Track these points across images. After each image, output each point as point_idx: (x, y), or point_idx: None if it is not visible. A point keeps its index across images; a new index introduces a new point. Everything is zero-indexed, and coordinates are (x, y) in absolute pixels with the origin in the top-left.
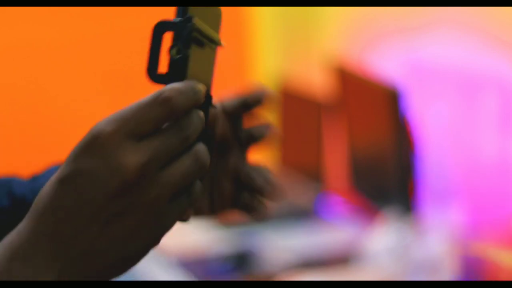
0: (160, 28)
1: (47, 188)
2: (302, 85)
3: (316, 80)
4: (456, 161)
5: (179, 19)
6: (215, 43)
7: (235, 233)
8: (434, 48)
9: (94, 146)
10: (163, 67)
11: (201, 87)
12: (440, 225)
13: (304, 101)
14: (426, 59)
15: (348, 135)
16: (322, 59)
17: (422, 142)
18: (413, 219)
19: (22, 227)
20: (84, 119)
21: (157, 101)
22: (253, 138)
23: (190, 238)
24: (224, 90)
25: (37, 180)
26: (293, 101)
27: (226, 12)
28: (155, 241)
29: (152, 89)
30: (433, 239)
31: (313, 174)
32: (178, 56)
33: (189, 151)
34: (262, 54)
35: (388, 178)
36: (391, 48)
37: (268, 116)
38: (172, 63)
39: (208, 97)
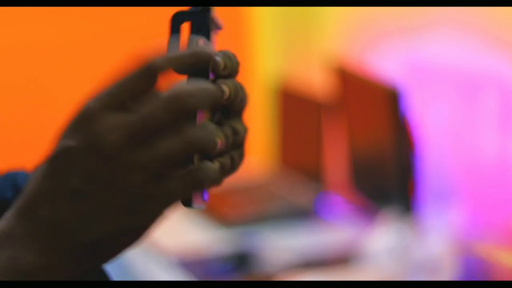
0: (178, 18)
1: (35, 170)
2: (302, 85)
3: (316, 80)
4: (456, 161)
5: (197, 8)
6: (218, 27)
7: (235, 233)
8: (434, 48)
9: (78, 123)
10: None
11: (192, 55)
12: (440, 225)
13: (304, 101)
14: (426, 59)
15: (348, 135)
16: (322, 59)
17: (422, 142)
18: (413, 219)
19: (9, 211)
20: None
21: (143, 73)
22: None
23: (190, 238)
24: None
25: None
26: (293, 101)
27: (226, 12)
28: (139, 225)
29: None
30: (433, 239)
31: (313, 174)
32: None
33: (181, 131)
34: (262, 54)
35: (388, 178)
36: (391, 48)
37: (268, 116)
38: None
39: (206, 68)
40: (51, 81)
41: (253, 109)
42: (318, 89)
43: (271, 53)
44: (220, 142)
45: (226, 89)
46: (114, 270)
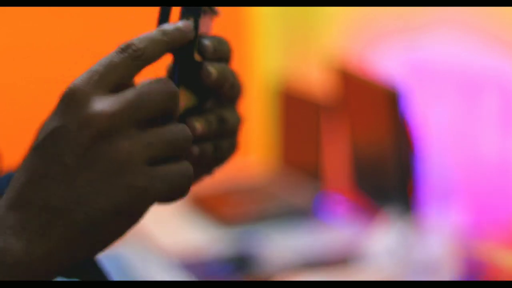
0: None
1: (21, 163)
2: (302, 85)
3: (316, 80)
4: (456, 161)
5: None
6: (213, 12)
7: (235, 233)
8: (434, 48)
9: (65, 103)
10: None
11: (178, 28)
12: (441, 225)
13: (304, 101)
14: (427, 59)
15: (349, 135)
16: (322, 59)
17: (422, 142)
18: (413, 219)
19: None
20: None
21: (126, 50)
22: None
23: (189, 238)
24: None
25: None
26: (293, 101)
27: (226, 12)
28: (131, 207)
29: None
30: (433, 239)
31: (313, 174)
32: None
33: (179, 122)
34: (263, 54)
35: (389, 178)
36: (391, 48)
37: (268, 116)
38: None
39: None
40: (51, 81)
41: (254, 109)
42: (318, 89)
43: (271, 53)
44: (200, 127)
45: (213, 70)
46: (114, 270)
